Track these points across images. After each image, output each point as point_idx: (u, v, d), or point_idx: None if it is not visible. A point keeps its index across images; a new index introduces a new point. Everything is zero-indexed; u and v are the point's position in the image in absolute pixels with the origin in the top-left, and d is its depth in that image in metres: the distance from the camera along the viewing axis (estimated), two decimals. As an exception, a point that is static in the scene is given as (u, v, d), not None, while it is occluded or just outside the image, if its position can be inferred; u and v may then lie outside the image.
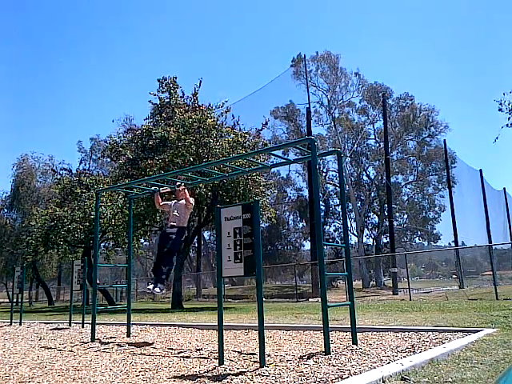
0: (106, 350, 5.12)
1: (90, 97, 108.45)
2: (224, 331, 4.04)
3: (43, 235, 17.75)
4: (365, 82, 35.68)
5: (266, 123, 15.23)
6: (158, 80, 15.21)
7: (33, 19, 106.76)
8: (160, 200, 6.51)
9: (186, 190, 6.20)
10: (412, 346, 4.22)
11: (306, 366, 3.54)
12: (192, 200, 6.17)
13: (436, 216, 36.12)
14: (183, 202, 6.12)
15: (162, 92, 15.26)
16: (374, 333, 5.34)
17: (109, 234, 18.33)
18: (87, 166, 30.09)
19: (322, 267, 4.19)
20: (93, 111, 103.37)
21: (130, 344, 5.56)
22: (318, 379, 3.09)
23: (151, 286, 5.88)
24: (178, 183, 6.33)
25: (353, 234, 33.67)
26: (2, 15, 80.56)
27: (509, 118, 10.01)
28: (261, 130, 14.88)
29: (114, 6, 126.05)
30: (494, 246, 20.27)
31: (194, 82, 15.35)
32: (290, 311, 10.00)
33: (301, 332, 5.89)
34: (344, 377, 3.09)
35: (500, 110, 10.14)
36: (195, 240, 24.59)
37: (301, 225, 39.50)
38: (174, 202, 6.25)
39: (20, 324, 9.52)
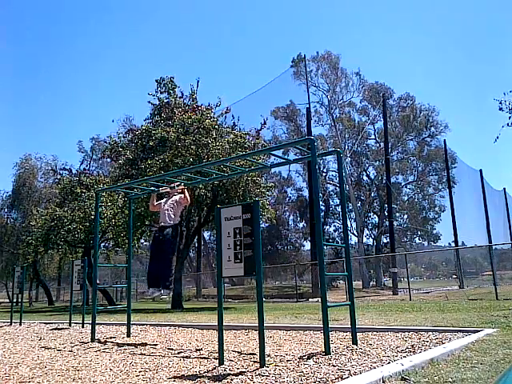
0: (106, 350, 5.12)
1: (90, 97, 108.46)
2: (224, 331, 4.04)
3: (43, 235, 17.75)
4: (365, 82, 35.73)
5: (265, 123, 15.20)
6: (156, 81, 15.22)
7: (33, 19, 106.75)
8: (155, 202, 6.45)
9: (187, 192, 6.16)
10: (412, 346, 4.22)
11: (306, 366, 3.54)
12: (188, 197, 6.07)
13: (436, 216, 36.10)
14: (176, 197, 6.01)
15: (161, 92, 15.27)
16: (374, 333, 5.34)
17: (109, 234, 18.32)
18: (88, 166, 30.04)
19: (322, 267, 4.19)
20: (93, 111, 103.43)
21: (130, 344, 5.56)
22: (318, 379, 3.09)
23: (152, 291, 5.81)
24: (177, 183, 6.32)
25: (353, 234, 33.69)
26: (3, 15, 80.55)
27: (509, 118, 9.99)
28: (260, 129, 14.86)
29: (115, 5, 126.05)
30: (494, 246, 20.25)
31: (194, 82, 15.36)
32: (289, 311, 10.01)
33: (301, 332, 5.89)
34: (344, 377, 3.09)
35: (500, 109, 10.12)
36: (195, 240, 24.58)
37: (301, 225, 39.52)
38: (165, 199, 6.16)
39: (20, 324, 9.52)
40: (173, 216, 5.89)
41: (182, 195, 6.04)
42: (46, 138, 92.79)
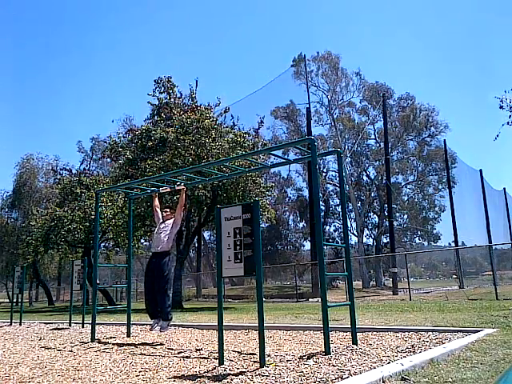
0: (106, 350, 5.12)
1: (90, 97, 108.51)
2: (224, 331, 4.04)
3: (43, 235, 17.75)
4: (365, 82, 35.74)
5: (262, 122, 15.15)
6: (155, 81, 15.25)
7: (33, 20, 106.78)
8: (157, 203, 6.43)
9: (184, 196, 6.14)
10: (412, 346, 4.22)
11: (306, 366, 3.54)
12: (179, 219, 6.02)
13: (436, 216, 36.08)
14: (171, 221, 5.98)
15: (160, 93, 15.28)
16: (374, 333, 5.34)
17: (109, 234, 18.33)
18: (88, 166, 30.06)
19: (322, 267, 4.19)
20: (93, 111, 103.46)
21: (130, 344, 5.56)
22: (318, 379, 3.09)
23: (154, 326, 5.72)
24: (177, 183, 6.32)
25: (353, 234, 33.69)
26: (3, 16, 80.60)
27: (510, 116, 10.00)
28: (258, 129, 14.84)
29: (115, 5, 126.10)
30: (494, 246, 20.24)
31: (194, 82, 15.37)
32: (289, 311, 10.00)
33: (301, 332, 5.89)
34: (344, 377, 3.09)
35: (501, 107, 10.13)
36: (195, 240, 24.58)
37: (301, 225, 39.51)
38: (160, 221, 6.09)
39: (20, 324, 9.52)
40: (165, 241, 5.77)
41: (178, 218, 6.00)
42: (47, 137, 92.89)
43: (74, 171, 20.79)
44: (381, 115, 30.49)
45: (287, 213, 39.83)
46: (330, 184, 36.38)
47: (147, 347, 5.24)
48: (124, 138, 15.54)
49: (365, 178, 37.73)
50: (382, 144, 33.09)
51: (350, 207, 33.26)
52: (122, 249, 22.37)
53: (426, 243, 37.99)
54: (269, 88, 29.88)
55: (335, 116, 34.99)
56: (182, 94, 15.47)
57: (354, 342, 4.46)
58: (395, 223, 30.56)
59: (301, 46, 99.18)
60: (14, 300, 16.27)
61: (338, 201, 36.64)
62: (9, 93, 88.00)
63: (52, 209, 18.42)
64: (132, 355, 4.66)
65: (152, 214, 13.78)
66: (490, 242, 28.76)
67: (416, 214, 35.82)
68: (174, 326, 7.44)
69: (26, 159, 30.88)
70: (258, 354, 3.80)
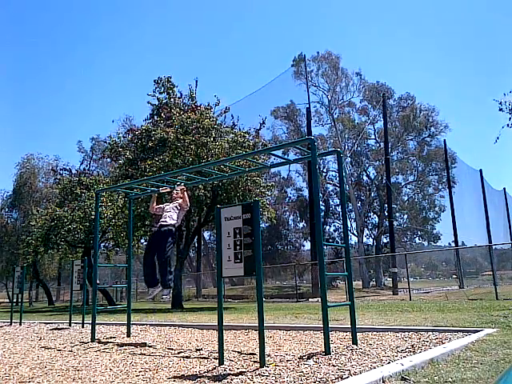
0: (106, 350, 5.12)
1: (90, 97, 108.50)
2: (224, 331, 4.04)
3: (43, 235, 17.76)
4: (365, 82, 35.77)
5: (264, 122, 15.15)
6: (155, 81, 15.25)
7: (33, 20, 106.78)
8: (155, 205, 6.44)
9: (186, 193, 6.17)
10: (412, 345, 4.22)
11: (306, 366, 3.54)
12: (187, 202, 6.09)
13: (436, 216, 36.08)
14: (179, 201, 6.02)
15: (160, 93, 15.29)
16: (374, 333, 5.34)
17: (109, 234, 18.35)
18: (88, 166, 30.06)
19: (322, 267, 4.19)
20: (93, 111, 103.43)
21: (130, 344, 5.56)
22: (318, 379, 3.09)
23: (151, 290, 5.78)
24: (178, 183, 6.32)
25: (353, 234, 33.70)
26: (3, 16, 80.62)
27: (509, 119, 10.03)
28: (259, 129, 14.84)
29: (114, 5, 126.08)
30: (494, 246, 20.27)
31: (194, 82, 15.39)
32: (289, 311, 10.00)
33: (301, 332, 5.89)
34: (344, 377, 3.09)
35: (500, 110, 10.16)
36: (195, 240, 24.57)
37: (301, 225, 39.54)
38: (166, 204, 6.17)
39: (20, 324, 9.52)
40: (174, 217, 5.84)
41: (182, 200, 6.03)
42: (47, 137, 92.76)
43: (73, 171, 20.82)
44: (381, 115, 30.50)
45: (287, 213, 39.86)
46: (330, 184, 36.42)
47: (147, 347, 5.24)
48: (124, 138, 15.55)
49: (365, 177, 37.78)
50: (382, 144, 33.10)
51: (350, 207, 33.27)
52: (122, 249, 22.38)
53: (426, 243, 38.02)
54: (269, 88, 29.92)
55: (335, 116, 35.02)
56: (181, 94, 15.49)
57: (354, 342, 4.46)
58: (395, 223, 30.56)
59: (301, 45, 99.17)
60: (14, 300, 16.27)
61: (338, 201, 36.69)
62: (9, 93, 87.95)
63: (52, 209, 18.43)
64: (132, 355, 4.66)
65: (152, 214, 13.83)
66: (490, 242, 28.77)
67: (416, 213, 35.82)
68: (174, 325, 7.45)
69: (27, 159, 30.91)
70: (258, 353, 3.80)
